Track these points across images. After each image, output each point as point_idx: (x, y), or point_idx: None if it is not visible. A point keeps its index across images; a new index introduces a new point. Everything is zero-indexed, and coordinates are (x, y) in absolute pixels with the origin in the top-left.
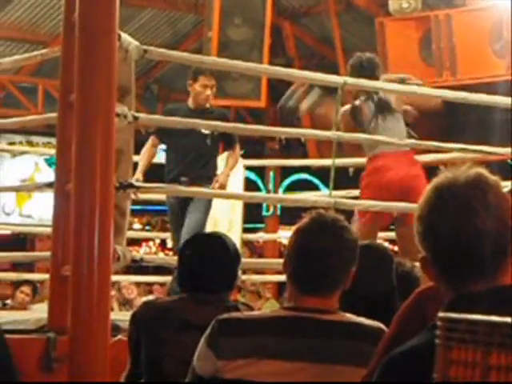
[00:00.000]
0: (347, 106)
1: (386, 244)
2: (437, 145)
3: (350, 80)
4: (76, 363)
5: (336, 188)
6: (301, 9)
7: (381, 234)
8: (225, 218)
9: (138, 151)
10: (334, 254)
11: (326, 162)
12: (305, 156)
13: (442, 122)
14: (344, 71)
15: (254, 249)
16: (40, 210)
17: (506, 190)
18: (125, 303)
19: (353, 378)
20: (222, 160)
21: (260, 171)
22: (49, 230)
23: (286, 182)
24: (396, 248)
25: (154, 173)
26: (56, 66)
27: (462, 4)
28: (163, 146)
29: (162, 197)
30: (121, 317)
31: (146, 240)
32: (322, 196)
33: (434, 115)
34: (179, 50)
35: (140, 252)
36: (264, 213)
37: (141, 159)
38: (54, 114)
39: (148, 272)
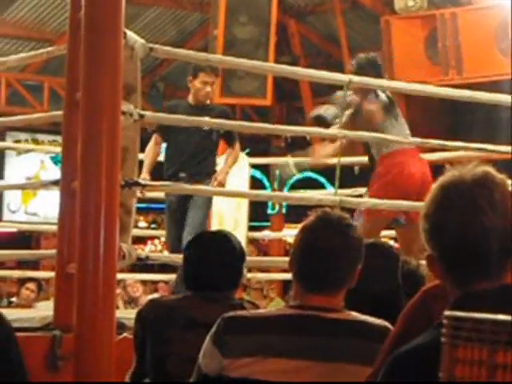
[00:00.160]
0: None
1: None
2: (442, 143)
3: (356, 78)
4: (81, 361)
5: (341, 186)
6: (306, 7)
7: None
8: (230, 217)
9: (142, 149)
10: (340, 253)
11: (331, 161)
12: None
13: (448, 121)
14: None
15: (260, 247)
16: (45, 208)
17: None
18: (130, 301)
19: (358, 377)
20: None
21: (265, 169)
22: (54, 227)
23: (292, 180)
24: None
25: (155, 171)
26: (62, 63)
27: (468, 2)
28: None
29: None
30: (126, 315)
31: (152, 238)
32: (328, 194)
33: (439, 114)
34: (185, 48)
35: (145, 250)
36: (269, 211)
37: (146, 158)
38: (59, 112)
39: (153, 270)
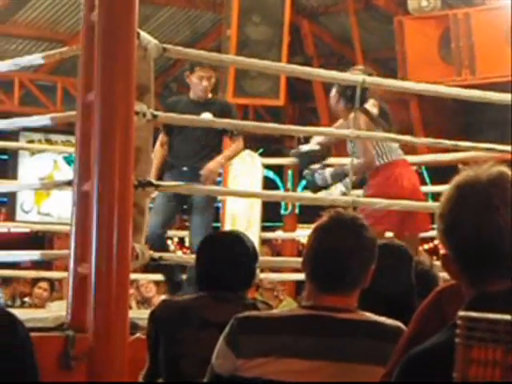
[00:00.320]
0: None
1: None
2: (455, 143)
3: (369, 79)
4: (94, 361)
5: (354, 187)
6: (319, 7)
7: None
8: (243, 217)
9: None
10: (354, 253)
11: (344, 161)
12: None
13: (461, 121)
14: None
15: (273, 247)
16: (59, 208)
17: None
18: (143, 301)
19: (372, 377)
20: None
21: (278, 170)
22: (67, 228)
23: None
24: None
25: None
26: (75, 64)
27: (481, 3)
28: None
29: None
30: (139, 315)
31: None
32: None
33: (452, 114)
34: (198, 48)
35: None
36: (282, 211)
37: (153, 159)
38: (73, 113)
39: None
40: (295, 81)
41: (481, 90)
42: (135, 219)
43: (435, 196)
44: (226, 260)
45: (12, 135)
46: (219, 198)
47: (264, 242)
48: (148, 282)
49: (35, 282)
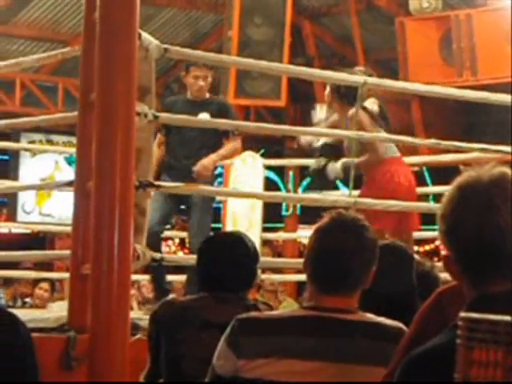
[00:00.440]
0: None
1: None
2: (457, 145)
3: (370, 79)
4: (95, 362)
5: (356, 187)
6: (321, 8)
7: None
8: (244, 217)
9: None
10: (355, 254)
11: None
12: None
13: (462, 122)
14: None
15: (274, 248)
16: (60, 209)
17: None
18: (144, 302)
19: (373, 378)
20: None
21: (280, 171)
22: (68, 228)
23: (306, 181)
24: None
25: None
26: (76, 64)
27: (483, 4)
28: None
29: None
30: (140, 316)
31: (166, 239)
32: (342, 195)
33: (454, 115)
34: (199, 49)
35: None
36: (283, 212)
37: None
38: (74, 113)
39: (168, 271)
40: (296, 81)
41: (482, 91)
42: (136, 220)
43: (436, 197)
44: (227, 261)
45: (13, 136)
46: (220, 198)
47: (265, 242)
48: (149, 282)
49: (36, 282)
